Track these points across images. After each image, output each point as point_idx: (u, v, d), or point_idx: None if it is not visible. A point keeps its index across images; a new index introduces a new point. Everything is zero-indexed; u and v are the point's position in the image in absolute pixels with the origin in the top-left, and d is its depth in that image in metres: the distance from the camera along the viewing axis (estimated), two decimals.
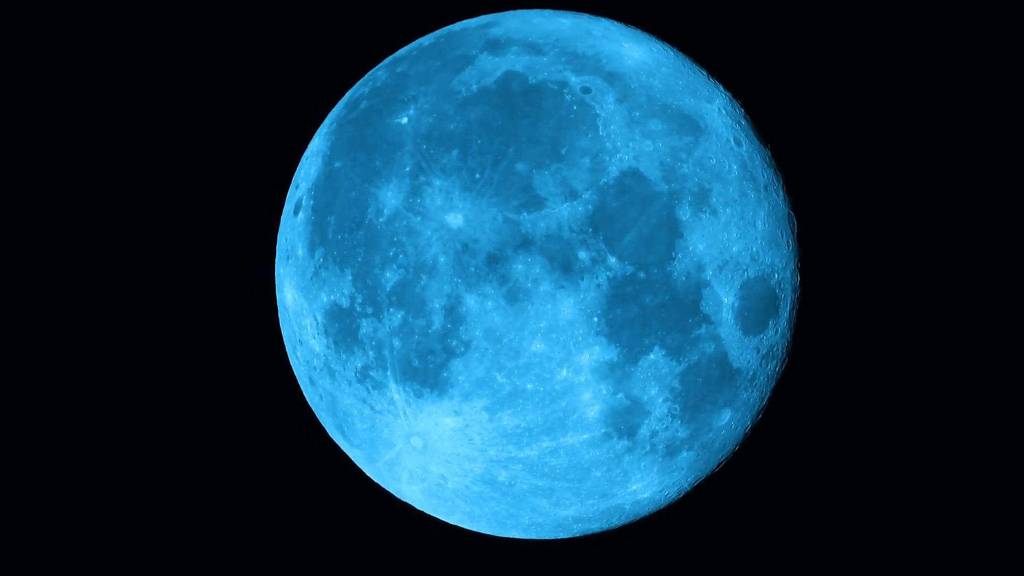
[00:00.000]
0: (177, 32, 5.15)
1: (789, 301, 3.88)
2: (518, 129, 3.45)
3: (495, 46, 3.71)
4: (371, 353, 3.58)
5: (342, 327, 3.63)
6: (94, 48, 5.13)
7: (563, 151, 3.41)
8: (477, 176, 3.40)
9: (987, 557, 4.85)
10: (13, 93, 5.12)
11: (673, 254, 3.44)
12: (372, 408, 3.70)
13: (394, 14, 4.94)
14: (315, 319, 3.74)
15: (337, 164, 3.73)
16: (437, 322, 3.42)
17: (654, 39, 3.95)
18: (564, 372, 3.44)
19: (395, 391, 3.59)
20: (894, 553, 4.93)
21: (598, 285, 3.37)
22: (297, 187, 3.96)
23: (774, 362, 3.90)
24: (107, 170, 5.19)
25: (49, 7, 5.08)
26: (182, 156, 5.18)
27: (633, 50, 3.77)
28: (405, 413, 3.63)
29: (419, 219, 3.43)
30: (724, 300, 3.56)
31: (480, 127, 3.47)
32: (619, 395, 3.50)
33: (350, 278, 3.57)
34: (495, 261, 3.36)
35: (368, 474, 4.14)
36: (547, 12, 3.97)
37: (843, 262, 4.82)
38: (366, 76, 4.03)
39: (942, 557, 4.90)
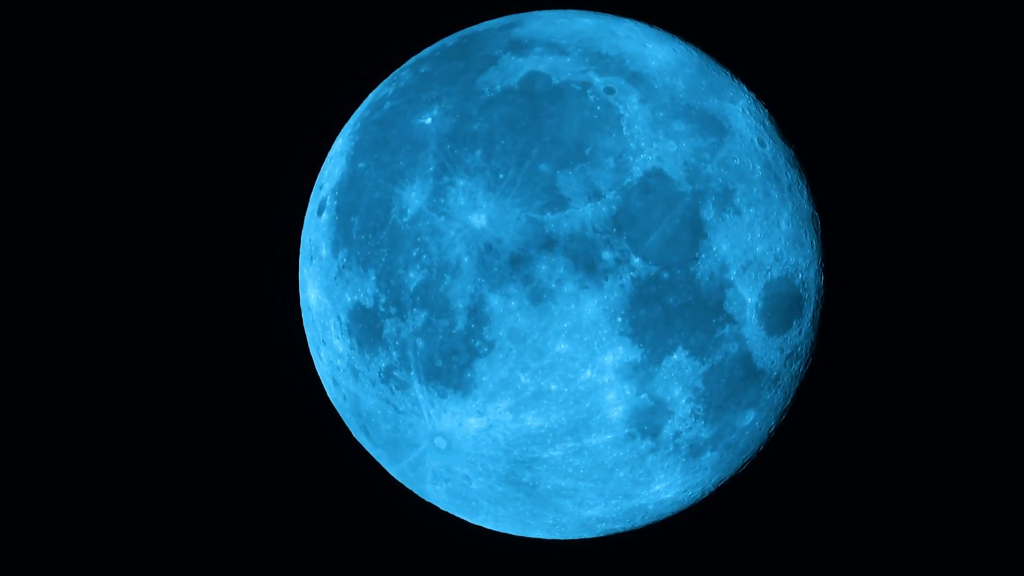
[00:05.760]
0: (201, 33, 5.18)
1: (813, 301, 3.86)
2: (542, 129, 3.45)
3: (518, 47, 3.71)
4: (395, 353, 3.58)
5: (366, 327, 3.64)
6: (119, 46, 5.17)
7: (587, 151, 3.41)
8: (501, 176, 3.40)
9: (1011, 555, 4.83)
10: (43, 96, 5.16)
11: (697, 254, 3.44)
12: (396, 408, 3.71)
13: (417, 15, 4.95)
14: (339, 319, 3.75)
15: (361, 164, 3.74)
16: (461, 322, 3.42)
17: (677, 39, 3.94)
18: (588, 373, 3.43)
19: (419, 391, 3.60)
20: (917, 553, 4.91)
21: (622, 285, 3.36)
22: (321, 187, 3.97)
23: (798, 362, 3.88)
24: (130, 171, 5.23)
25: (81, 13, 5.12)
26: (206, 157, 5.21)
27: (657, 50, 3.77)
28: (429, 413, 3.63)
29: (443, 219, 3.43)
30: (748, 300, 3.55)
31: (504, 127, 3.47)
32: (643, 395, 3.49)
33: (374, 278, 3.57)
34: (519, 261, 3.36)
35: (392, 474, 4.14)
36: (570, 12, 3.97)
37: (867, 262, 4.81)
38: (390, 77, 4.04)
39: (965, 557, 4.88)
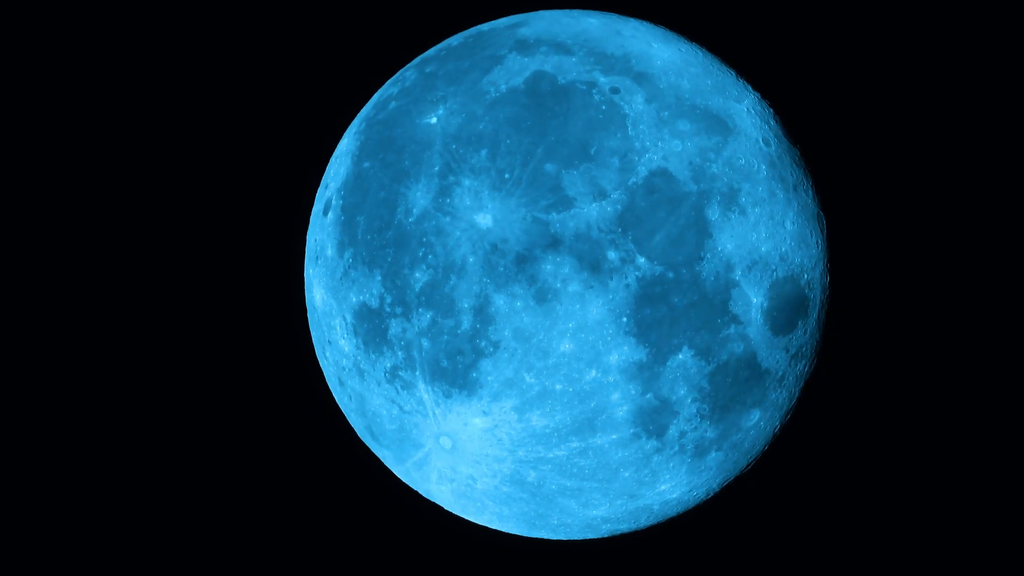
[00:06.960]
0: (206, 33, 5.19)
1: (818, 301, 3.85)
2: (547, 129, 3.45)
3: (524, 46, 3.71)
4: (400, 353, 3.58)
5: (371, 327, 3.64)
6: (122, 47, 5.18)
7: (592, 151, 3.41)
8: (506, 176, 3.40)
9: (1012, 556, 4.82)
10: (52, 99, 5.18)
11: (702, 254, 3.43)
12: (401, 408, 3.71)
13: (423, 14, 4.95)
14: (344, 319, 3.75)
15: (366, 164, 3.74)
16: (466, 322, 3.42)
17: (683, 39, 3.93)
18: (593, 372, 3.43)
19: (424, 391, 3.60)
20: (921, 553, 4.90)
21: (627, 285, 3.36)
22: (326, 187, 3.97)
23: (803, 362, 3.87)
24: (133, 171, 5.23)
25: (89, 16, 5.14)
26: (211, 157, 5.22)
27: (662, 50, 3.76)
28: (434, 413, 3.63)
29: (448, 219, 3.43)
30: (753, 300, 3.55)
31: (509, 127, 3.47)
32: (648, 395, 3.49)
33: (379, 278, 3.57)
34: (524, 261, 3.35)
35: (397, 475, 4.14)
36: (575, 12, 3.96)
37: (873, 262, 4.80)
38: (395, 76, 4.04)
39: (968, 557, 4.87)
